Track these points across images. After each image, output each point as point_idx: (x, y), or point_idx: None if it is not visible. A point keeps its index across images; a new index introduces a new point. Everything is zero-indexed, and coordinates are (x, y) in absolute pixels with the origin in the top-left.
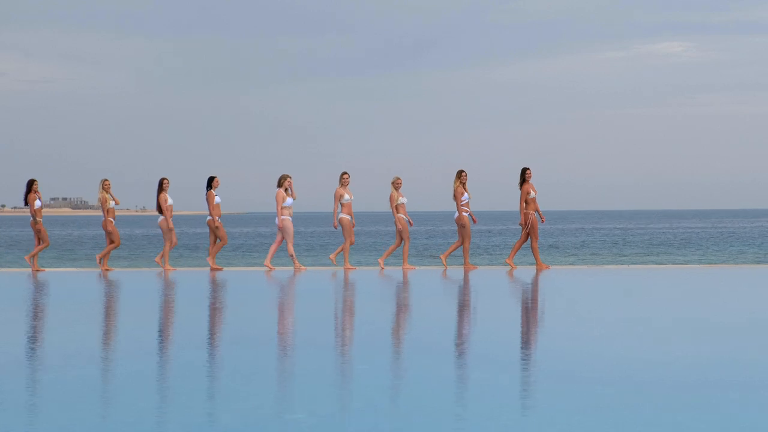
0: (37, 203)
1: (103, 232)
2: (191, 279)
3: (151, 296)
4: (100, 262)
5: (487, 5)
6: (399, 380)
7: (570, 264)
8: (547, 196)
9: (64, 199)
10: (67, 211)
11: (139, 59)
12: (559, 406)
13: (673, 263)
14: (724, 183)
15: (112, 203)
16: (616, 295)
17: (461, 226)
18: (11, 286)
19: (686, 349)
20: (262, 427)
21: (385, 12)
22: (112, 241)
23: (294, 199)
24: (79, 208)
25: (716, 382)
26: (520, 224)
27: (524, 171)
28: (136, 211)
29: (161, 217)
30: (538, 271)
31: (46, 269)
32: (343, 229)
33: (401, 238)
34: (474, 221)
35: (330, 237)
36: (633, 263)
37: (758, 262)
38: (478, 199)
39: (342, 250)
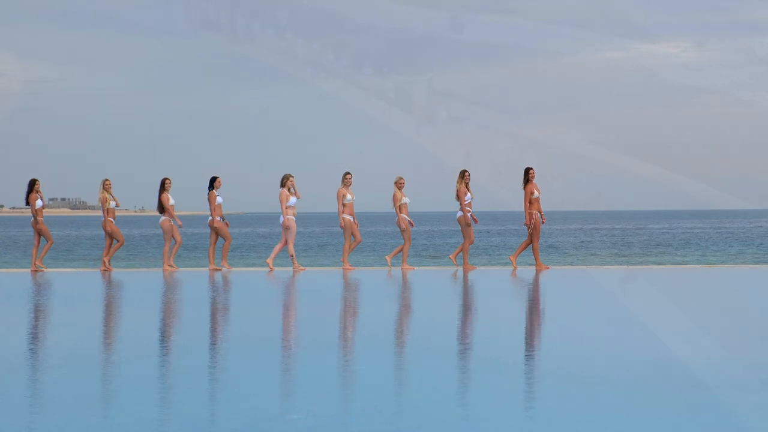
0: (39, 203)
1: (103, 232)
2: (194, 279)
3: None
4: (108, 263)
5: None
6: (403, 381)
7: (569, 264)
8: (547, 197)
9: (63, 199)
10: (65, 212)
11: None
12: (566, 407)
13: (672, 263)
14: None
15: (112, 203)
16: (616, 295)
17: (466, 225)
18: (15, 287)
19: (686, 350)
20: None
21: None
22: (111, 242)
23: (298, 198)
24: (78, 209)
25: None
26: (525, 224)
27: (527, 171)
28: (135, 212)
29: (163, 217)
30: (537, 271)
31: (45, 269)
32: (344, 230)
33: (404, 237)
34: (475, 221)
35: (328, 237)
36: (631, 263)
37: (757, 263)
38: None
39: (351, 249)
